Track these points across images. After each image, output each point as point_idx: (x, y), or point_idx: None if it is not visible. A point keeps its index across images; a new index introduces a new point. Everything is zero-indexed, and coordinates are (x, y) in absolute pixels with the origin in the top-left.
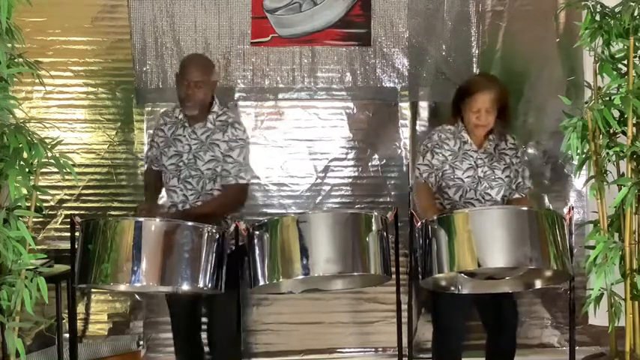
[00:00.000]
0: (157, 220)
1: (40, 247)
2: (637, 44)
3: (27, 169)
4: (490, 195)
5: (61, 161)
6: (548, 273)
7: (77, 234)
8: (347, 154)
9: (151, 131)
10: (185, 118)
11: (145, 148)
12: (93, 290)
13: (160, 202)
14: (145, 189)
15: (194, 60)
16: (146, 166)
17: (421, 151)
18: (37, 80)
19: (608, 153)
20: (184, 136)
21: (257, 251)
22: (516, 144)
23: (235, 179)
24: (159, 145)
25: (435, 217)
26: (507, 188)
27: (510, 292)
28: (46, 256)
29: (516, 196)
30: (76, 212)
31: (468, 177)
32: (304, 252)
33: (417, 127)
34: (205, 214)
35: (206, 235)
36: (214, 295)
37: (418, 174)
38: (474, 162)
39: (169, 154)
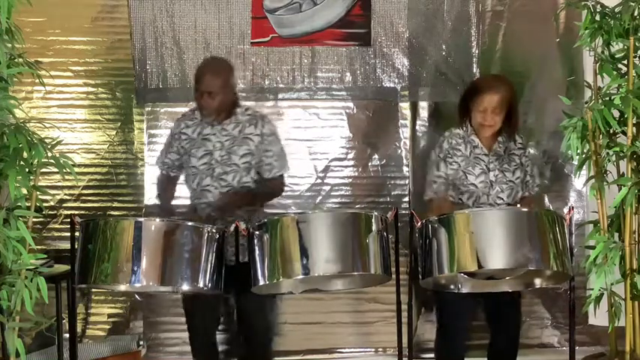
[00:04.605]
0: (157, 220)
1: (40, 247)
2: (637, 44)
3: (27, 169)
4: (502, 199)
5: (61, 161)
6: (549, 273)
7: (77, 234)
8: (347, 154)
9: (152, 131)
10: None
11: (145, 148)
12: (93, 290)
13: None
14: (159, 197)
15: (207, 68)
16: (160, 173)
17: (433, 160)
18: (37, 80)
19: (608, 153)
20: (214, 134)
21: (257, 251)
22: (524, 143)
23: (280, 170)
24: (181, 150)
25: (436, 217)
26: (519, 190)
27: (515, 291)
28: (46, 256)
29: (525, 194)
30: (76, 212)
31: (480, 182)
32: (304, 252)
33: (417, 127)
34: (249, 201)
35: (206, 235)
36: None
37: (435, 188)
38: (486, 166)
39: (199, 154)
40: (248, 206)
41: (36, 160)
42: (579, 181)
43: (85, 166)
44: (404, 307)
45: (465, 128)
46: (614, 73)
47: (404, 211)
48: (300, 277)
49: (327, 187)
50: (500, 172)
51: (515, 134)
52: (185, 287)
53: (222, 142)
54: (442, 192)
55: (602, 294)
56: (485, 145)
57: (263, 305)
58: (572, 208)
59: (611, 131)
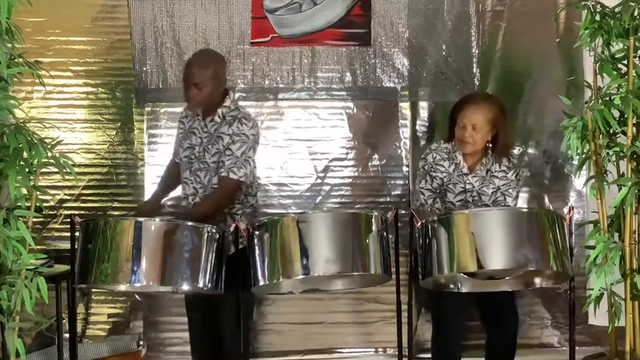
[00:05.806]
0: (157, 220)
1: (40, 247)
2: (637, 44)
3: (27, 169)
4: None
5: (61, 161)
6: (549, 273)
7: (77, 234)
8: (347, 154)
9: (152, 131)
10: (200, 111)
11: (145, 148)
12: (93, 290)
13: (167, 197)
14: (159, 183)
15: (193, 60)
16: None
17: (420, 173)
18: (37, 80)
19: (608, 153)
20: (198, 129)
21: (257, 251)
22: (511, 165)
23: (227, 172)
24: (179, 138)
25: (436, 217)
26: None
27: (510, 291)
28: (46, 256)
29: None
30: (76, 212)
31: (458, 201)
32: (304, 252)
33: (417, 127)
34: (204, 214)
35: (206, 235)
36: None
37: (423, 199)
38: (464, 186)
39: (184, 146)
40: (205, 219)
41: (36, 160)
42: (579, 181)
43: (85, 166)
44: (404, 307)
45: (453, 142)
46: (614, 73)
47: (404, 211)
48: (301, 277)
49: (327, 187)
50: (477, 194)
51: (503, 157)
52: (185, 287)
53: (202, 138)
54: (429, 204)
55: (602, 294)
56: (468, 164)
57: (225, 305)
58: (572, 208)
59: (611, 131)
